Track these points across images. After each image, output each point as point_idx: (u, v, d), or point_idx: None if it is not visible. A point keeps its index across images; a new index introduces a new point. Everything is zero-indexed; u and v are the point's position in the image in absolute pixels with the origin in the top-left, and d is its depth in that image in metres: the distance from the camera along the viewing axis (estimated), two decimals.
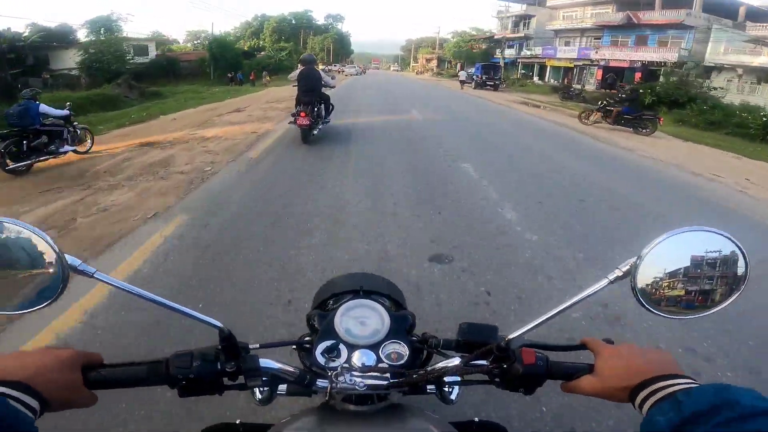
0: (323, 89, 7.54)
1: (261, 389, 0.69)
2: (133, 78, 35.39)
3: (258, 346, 0.63)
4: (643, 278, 0.56)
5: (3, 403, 0.42)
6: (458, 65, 60.33)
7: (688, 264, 0.55)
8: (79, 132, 6.72)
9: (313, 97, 7.09)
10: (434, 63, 75.13)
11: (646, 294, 0.56)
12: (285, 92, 18.87)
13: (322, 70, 8.84)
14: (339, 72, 49.27)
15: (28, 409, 0.45)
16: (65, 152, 6.32)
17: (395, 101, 16.05)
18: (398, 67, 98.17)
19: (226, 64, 33.49)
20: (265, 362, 0.60)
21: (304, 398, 0.77)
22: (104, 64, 27.36)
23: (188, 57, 37.57)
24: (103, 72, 26.96)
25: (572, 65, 32.88)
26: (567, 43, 34.67)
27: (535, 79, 36.94)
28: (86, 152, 6.88)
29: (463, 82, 27.97)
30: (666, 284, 0.56)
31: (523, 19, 43.21)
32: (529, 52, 39.24)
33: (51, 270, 0.51)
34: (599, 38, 31.10)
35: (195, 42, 37.31)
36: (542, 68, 37.59)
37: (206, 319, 0.57)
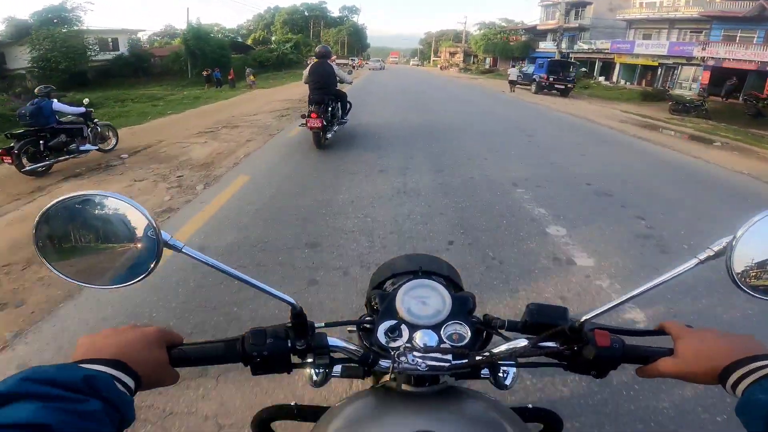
0: (339, 85, 6.68)
1: (316, 371, 0.69)
2: (99, 76, 28.28)
3: (323, 324, 0.63)
4: (740, 258, 0.51)
5: (108, 383, 0.42)
6: (489, 60, 52.91)
7: None
8: (100, 129, 6.40)
9: (325, 95, 6.21)
10: (459, 57, 67.63)
11: (743, 276, 0.52)
12: (274, 102, 12.57)
13: (336, 64, 7.66)
14: (353, 66, 42.72)
15: (125, 388, 0.44)
16: (87, 151, 6.02)
17: (431, 125, 9.10)
18: (418, 61, 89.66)
19: (207, 60, 26.76)
20: (333, 340, 0.60)
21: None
22: (52, 62, 22.11)
23: (162, 52, 31.04)
24: (58, 71, 21.95)
25: (655, 63, 25.14)
26: (647, 36, 26.82)
27: (600, 79, 29.19)
28: (111, 150, 6.56)
29: (514, 83, 20.58)
30: (764, 265, 0.51)
31: (575, 7, 35.53)
32: (585, 46, 31.53)
33: (144, 244, 0.51)
34: (700, 31, 23.26)
35: (165, 36, 29.83)
36: (606, 66, 29.90)
37: (280, 295, 0.57)
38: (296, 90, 17.91)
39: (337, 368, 0.70)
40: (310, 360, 0.61)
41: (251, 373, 0.57)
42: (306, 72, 6.39)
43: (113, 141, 6.74)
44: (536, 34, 40.81)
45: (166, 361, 0.53)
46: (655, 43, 25.03)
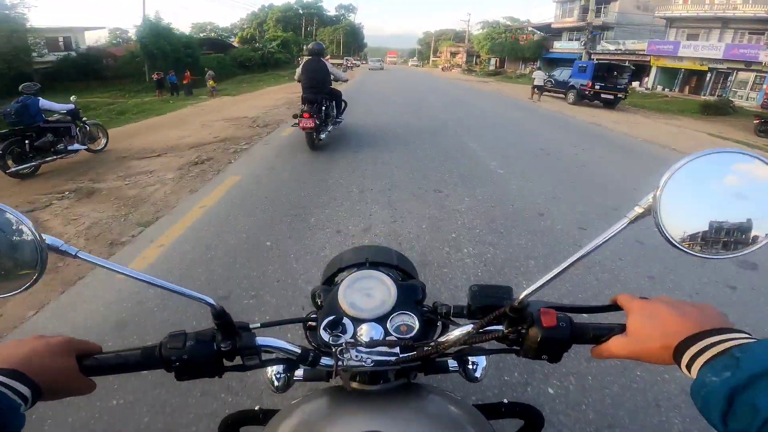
0: (333, 83, 6.38)
1: (277, 376, 0.68)
2: (44, 80, 23.44)
3: (259, 325, 0.60)
4: (667, 213, 0.47)
5: None
6: (494, 61, 48.92)
7: (716, 193, 0.46)
8: (89, 128, 6.22)
9: (318, 94, 5.90)
10: (461, 57, 63.64)
11: (674, 231, 0.48)
12: (218, 123, 8.71)
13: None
14: (347, 66, 39.00)
15: (20, 396, 0.43)
16: (76, 151, 5.82)
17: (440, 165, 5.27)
18: (417, 61, 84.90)
19: (168, 60, 22.49)
20: (262, 340, 0.57)
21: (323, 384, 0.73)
22: None
23: (120, 52, 26.39)
24: None
25: (704, 68, 21.15)
26: (692, 37, 22.79)
27: (635, 84, 25.15)
28: (101, 150, 6.39)
29: (540, 89, 16.56)
30: (694, 219, 0.47)
31: (597, 4, 31.61)
32: (611, 46, 27.55)
33: (28, 253, 0.48)
34: (761, 32, 19.23)
35: (117, 34, 24.96)
36: (638, 69, 25.90)
37: (198, 296, 0.54)
38: (268, 99, 13.77)
39: (299, 373, 0.71)
40: (239, 362, 0.57)
41: (176, 379, 0.53)
42: (299, 70, 6.16)
43: (103, 141, 6.51)
44: (550, 32, 36.81)
45: (75, 371, 0.51)
46: (707, 45, 21.04)
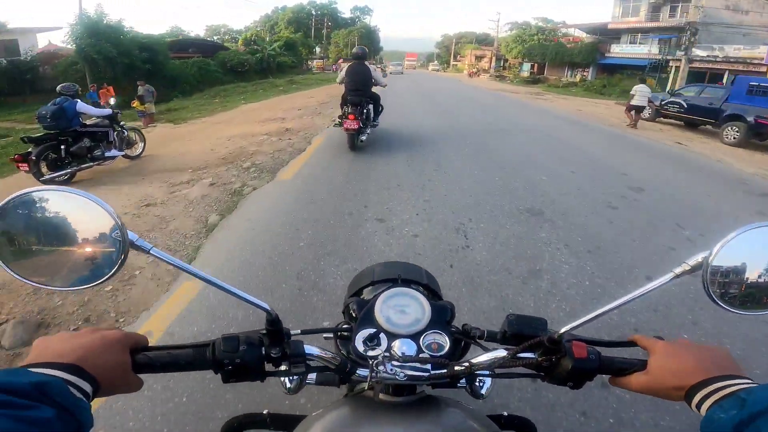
0: (373, 87, 6.60)
1: (291, 378, 0.69)
2: None
3: (299, 332, 0.62)
4: (716, 274, 0.51)
5: (61, 388, 0.40)
6: (529, 66, 42.69)
7: (764, 260, 0.51)
8: (127, 133, 6.05)
9: (362, 96, 6.14)
10: (487, 61, 57.46)
11: (719, 290, 0.52)
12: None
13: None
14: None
15: (82, 393, 0.43)
16: (113, 157, 5.73)
17: None
18: (438, 65, 78.26)
19: (117, 68, 16.81)
20: (309, 348, 0.58)
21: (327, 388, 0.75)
22: None
23: (57, 58, 20.36)
24: None
25: None
26: None
27: None
28: (138, 156, 6.26)
29: (637, 111, 10.76)
30: (740, 280, 0.52)
31: (670, 1, 25.37)
32: (702, 52, 21.15)
33: (110, 244, 0.49)
34: None
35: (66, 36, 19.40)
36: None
37: (254, 301, 0.55)
38: (236, 129, 8.31)
39: (312, 376, 0.72)
40: (284, 368, 0.58)
41: (222, 381, 0.54)
42: (342, 73, 6.40)
43: (140, 146, 6.35)
44: (605, 34, 30.47)
45: (128, 367, 0.50)
46: None
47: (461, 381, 0.69)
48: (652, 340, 0.56)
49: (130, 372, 0.50)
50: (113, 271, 0.49)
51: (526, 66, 44.58)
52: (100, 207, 0.47)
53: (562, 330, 0.57)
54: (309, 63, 48.76)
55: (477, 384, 0.70)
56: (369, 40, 77.39)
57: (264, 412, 0.73)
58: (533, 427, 0.75)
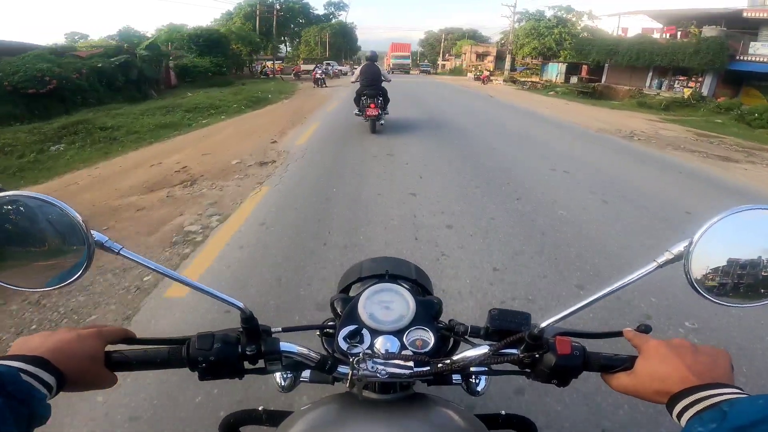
0: (382, 83, 7.67)
1: (284, 376, 0.71)
2: None
3: (281, 329, 0.62)
4: (698, 262, 0.50)
5: (14, 377, 0.41)
6: (559, 68, 30.28)
7: (748, 246, 0.49)
8: None
9: (377, 90, 7.46)
10: (490, 61, 44.96)
11: (701, 279, 0.50)
12: None
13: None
14: (319, 78, 22.53)
15: (44, 385, 0.43)
16: None
17: None
18: (428, 66, 62.75)
19: None
20: (285, 345, 0.58)
21: (328, 386, 0.75)
22: None
23: None
24: None
25: None
26: None
27: None
28: None
29: None
30: (723, 269, 0.50)
31: None
32: None
33: (77, 247, 0.49)
34: None
35: None
36: None
37: (228, 299, 0.55)
38: None
39: (305, 374, 0.71)
40: (261, 366, 0.58)
41: (198, 379, 0.55)
42: (357, 72, 7.83)
43: None
44: (732, 25, 18.04)
45: (100, 363, 0.51)
46: None
47: (456, 378, 0.69)
48: (644, 338, 0.54)
49: (102, 368, 0.51)
50: (80, 271, 0.50)
51: (554, 67, 32.05)
52: (65, 211, 0.47)
53: (543, 324, 0.55)
54: (257, 65, 35.26)
55: (473, 381, 0.70)
56: (344, 38, 66.40)
57: (259, 409, 0.73)
58: (533, 425, 0.73)
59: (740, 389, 0.44)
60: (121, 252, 0.52)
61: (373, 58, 8.06)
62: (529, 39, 38.96)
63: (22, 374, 0.42)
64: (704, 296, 0.51)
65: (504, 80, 32.81)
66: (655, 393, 0.49)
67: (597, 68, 25.71)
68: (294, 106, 12.42)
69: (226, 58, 27.65)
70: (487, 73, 31.30)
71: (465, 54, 50.82)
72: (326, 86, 20.22)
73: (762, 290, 0.49)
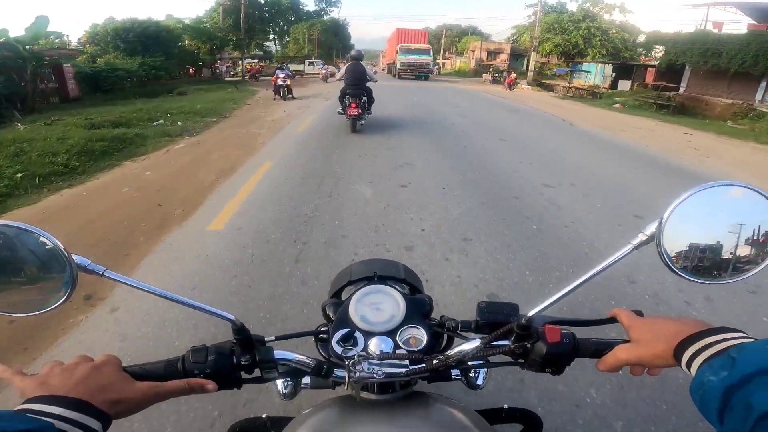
0: (367, 83, 7.64)
1: (284, 383, 0.71)
2: None
3: (274, 338, 0.63)
4: (670, 241, 0.51)
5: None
6: (605, 70, 23.72)
7: (717, 223, 0.50)
8: None
9: (360, 89, 7.40)
10: (502, 60, 38.34)
11: (675, 258, 0.51)
12: None
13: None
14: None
15: (86, 430, 0.39)
16: None
17: None
18: (433, 65, 54.69)
19: None
20: (279, 353, 0.59)
21: (330, 391, 0.75)
22: None
23: None
24: None
25: None
26: None
27: None
28: None
29: None
30: (695, 247, 0.51)
31: None
32: None
33: (60, 272, 0.50)
34: None
35: None
36: None
37: (219, 312, 0.55)
38: None
39: (306, 380, 0.72)
40: (257, 375, 0.59)
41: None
42: (343, 70, 7.75)
43: None
44: None
45: (131, 383, 0.48)
46: None
47: (455, 373, 0.70)
48: (631, 315, 0.54)
49: (133, 384, 0.48)
50: (66, 295, 0.50)
51: (591, 68, 25.43)
52: (44, 238, 0.48)
53: (530, 314, 0.55)
54: (222, 65, 28.34)
55: (472, 375, 0.71)
56: (336, 36, 60.78)
57: (263, 416, 0.75)
58: (538, 419, 0.74)
59: (745, 333, 0.43)
60: (104, 274, 0.52)
61: (358, 57, 7.86)
62: (550, 34, 32.52)
63: (67, 425, 0.37)
64: (679, 275, 0.51)
65: (528, 84, 26.14)
66: (658, 352, 0.48)
67: (668, 72, 19.04)
68: (160, 176, 5.21)
69: (169, 58, 20.78)
70: (514, 76, 24.50)
71: (473, 52, 43.95)
72: (294, 97, 13.47)
73: (737, 265, 0.50)
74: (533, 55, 28.46)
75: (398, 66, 29.02)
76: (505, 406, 0.73)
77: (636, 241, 0.52)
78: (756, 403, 0.34)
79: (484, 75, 31.33)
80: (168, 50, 21.05)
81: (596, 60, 30.34)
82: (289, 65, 33.16)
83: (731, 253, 0.50)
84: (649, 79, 20.89)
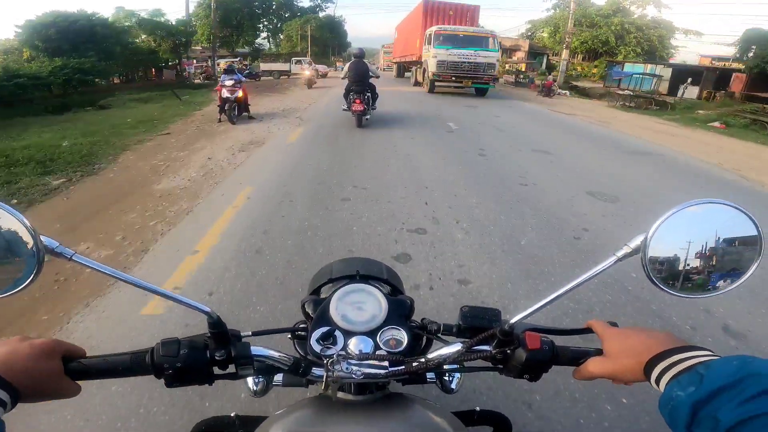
0: (370, 79, 7.76)
1: (255, 380, 0.69)
2: None
3: (251, 333, 0.62)
4: (654, 255, 0.51)
5: None
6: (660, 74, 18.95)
7: (700, 239, 0.51)
8: None
9: (364, 86, 7.54)
10: (521, 58, 33.70)
11: (658, 272, 0.52)
12: None
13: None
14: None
15: None
16: None
17: None
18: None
19: None
20: (256, 350, 0.57)
21: (301, 389, 0.74)
22: None
23: None
24: None
25: None
26: None
27: None
28: None
29: None
30: (678, 261, 0.52)
31: None
32: None
33: (25, 254, 0.47)
34: None
35: None
36: None
37: (194, 304, 0.54)
38: None
39: (278, 378, 0.71)
40: (232, 371, 0.57)
41: (165, 386, 0.53)
42: (345, 68, 7.88)
43: None
44: None
45: (60, 373, 0.50)
46: None
47: (430, 376, 0.70)
48: (605, 326, 0.56)
49: (63, 378, 0.50)
50: (31, 278, 0.48)
51: (638, 70, 20.70)
52: (11, 216, 0.46)
53: (513, 320, 0.56)
54: (189, 65, 23.53)
55: (446, 379, 0.71)
56: (332, 33, 58.15)
57: (232, 415, 0.72)
58: (507, 421, 0.74)
59: (711, 351, 0.44)
60: (73, 258, 0.49)
61: (360, 54, 7.80)
62: (578, 30, 27.91)
63: None
64: (661, 288, 0.52)
65: (560, 88, 21.38)
66: (629, 367, 0.49)
67: (761, 77, 14.29)
68: None
69: (108, 58, 16.03)
70: (552, 80, 19.65)
71: None
72: (250, 117, 8.80)
73: (718, 281, 0.51)
74: (565, 53, 23.60)
75: (433, 67, 14.73)
76: (477, 408, 0.73)
77: (620, 253, 0.52)
78: (723, 418, 0.36)
79: (505, 76, 26.47)
80: (107, 49, 16.28)
81: (628, 59, 26.00)
82: (259, 65, 28.12)
83: (715, 266, 0.50)
84: (737, 87, 16.09)
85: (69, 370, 0.51)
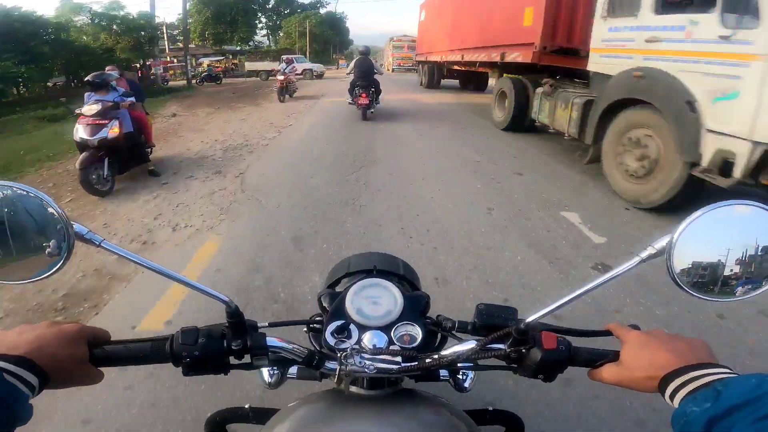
0: (374, 75, 8.38)
1: (270, 372, 0.70)
2: None
3: (267, 324, 0.62)
4: (680, 257, 0.50)
5: None
6: None
7: (729, 241, 0.49)
8: None
9: (369, 81, 8.17)
10: None
11: (683, 274, 0.51)
12: None
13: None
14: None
15: (27, 385, 0.43)
16: None
17: None
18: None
19: None
20: (271, 341, 0.58)
21: (315, 382, 0.74)
22: None
23: None
24: None
25: None
26: None
27: None
28: None
29: None
30: (704, 264, 0.50)
31: None
32: None
33: (56, 238, 0.48)
34: None
35: None
36: None
37: (214, 293, 0.54)
38: None
39: (293, 370, 0.71)
40: (247, 361, 0.58)
41: (183, 374, 0.54)
42: (351, 65, 8.54)
43: None
44: None
45: (85, 360, 0.50)
46: None
47: (443, 374, 0.70)
48: (626, 330, 0.55)
49: (88, 365, 0.50)
50: (61, 263, 0.49)
51: None
52: (44, 201, 0.47)
53: (529, 319, 0.55)
54: (157, 65, 20.31)
55: (460, 377, 0.70)
56: (333, 30, 56.67)
57: (246, 406, 0.73)
58: (520, 421, 0.74)
59: (730, 369, 0.44)
60: (102, 244, 0.50)
61: (365, 52, 8.46)
62: None
63: (5, 374, 0.41)
64: (686, 291, 0.51)
65: None
66: (644, 379, 0.49)
67: None
68: None
69: (35, 61, 12.78)
70: None
71: None
72: (153, 173, 4.97)
73: (743, 285, 0.50)
74: None
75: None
76: (490, 408, 0.73)
77: (644, 255, 0.51)
78: None
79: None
80: (33, 49, 13.02)
81: None
82: (244, 64, 24.59)
83: (741, 270, 0.49)
84: None
85: (93, 356, 0.51)
